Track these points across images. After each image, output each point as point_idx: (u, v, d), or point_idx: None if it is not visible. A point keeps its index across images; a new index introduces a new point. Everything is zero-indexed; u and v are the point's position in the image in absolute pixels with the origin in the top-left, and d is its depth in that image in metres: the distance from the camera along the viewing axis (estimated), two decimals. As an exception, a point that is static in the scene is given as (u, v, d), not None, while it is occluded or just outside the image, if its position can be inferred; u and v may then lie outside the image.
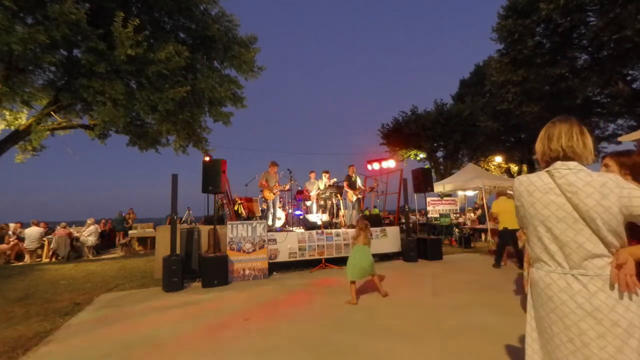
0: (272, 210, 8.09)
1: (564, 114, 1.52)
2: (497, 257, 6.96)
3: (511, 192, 8.71)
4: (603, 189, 1.23)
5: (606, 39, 10.48)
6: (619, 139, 8.65)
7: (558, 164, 1.37)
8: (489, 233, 10.14)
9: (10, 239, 10.17)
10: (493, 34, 13.73)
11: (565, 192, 1.29)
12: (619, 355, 1.16)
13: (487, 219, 10.08)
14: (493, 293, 4.92)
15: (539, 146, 1.46)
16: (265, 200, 8.18)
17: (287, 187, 8.32)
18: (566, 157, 1.36)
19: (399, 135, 22.26)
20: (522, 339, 3.10)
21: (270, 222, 7.81)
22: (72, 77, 8.52)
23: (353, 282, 4.58)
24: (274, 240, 6.86)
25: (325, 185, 8.92)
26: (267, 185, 7.92)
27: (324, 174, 9.09)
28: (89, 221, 10.91)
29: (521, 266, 6.60)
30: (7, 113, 8.65)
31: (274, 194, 7.99)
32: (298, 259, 7.03)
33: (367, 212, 10.65)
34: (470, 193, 14.85)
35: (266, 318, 4.04)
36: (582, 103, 12.29)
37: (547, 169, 1.40)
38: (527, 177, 1.43)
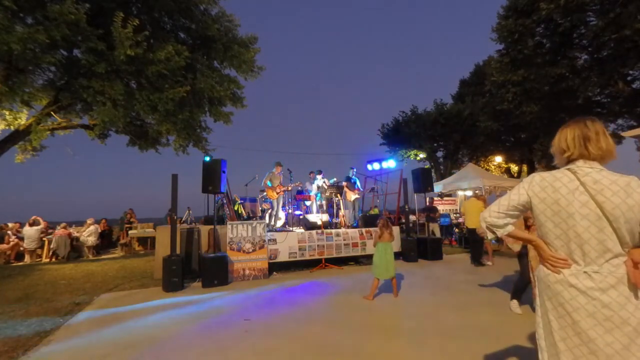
0: (275, 210, 8.14)
1: (572, 114, 1.50)
2: (476, 256, 7.28)
3: (481, 194, 9.10)
4: (627, 188, 1.25)
5: (606, 39, 10.47)
6: (622, 133, 8.69)
7: (580, 162, 1.36)
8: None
9: (10, 239, 10.16)
10: (493, 34, 13.72)
11: (590, 190, 1.29)
12: (625, 352, 1.18)
13: None
14: (493, 293, 4.92)
15: (569, 145, 1.39)
16: (266, 200, 8.23)
17: (290, 187, 8.38)
18: (593, 158, 1.35)
19: (399, 135, 22.27)
20: (522, 338, 3.11)
21: (272, 222, 7.84)
22: (72, 77, 8.51)
23: (378, 279, 4.69)
24: (274, 240, 6.86)
25: (319, 185, 8.97)
26: (271, 185, 8.00)
27: (318, 174, 9.13)
28: (88, 221, 10.91)
29: (475, 262, 7.14)
30: (7, 113, 8.63)
31: (277, 193, 8.04)
32: (298, 259, 7.02)
33: (370, 212, 10.66)
34: (470, 193, 14.85)
35: (266, 318, 4.04)
36: (583, 103, 12.29)
37: (567, 167, 1.39)
38: (550, 174, 1.40)
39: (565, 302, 1.29)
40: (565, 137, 1.41)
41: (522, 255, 4.10)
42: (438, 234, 9.88)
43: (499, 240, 4.68)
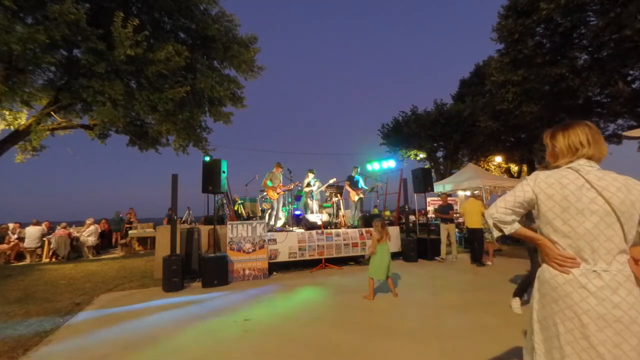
0: (275, 210, 8.14)
1: (572, 114, 1.53)
2: (474, 255, 7.32)
3: (479, 193, 8.83)
4: (627, 185, 1.29)
5: (606, 38, 10.46)
6: (624, 133, 8.65)
7: (582, 161, 1.38)
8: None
9: (10, 239, 10.16)
10: (493, 34, 13.71)
11: (596, 186, 1.30)
12: (632, 353, 1.16)
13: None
14: (493, 293, 4.92)
15: (583, 143, 1.39)
16: (267, 200, 8.23)
17: (291, 187, 8.38)
18: (597, 158, 1.40)
19: (399, 135, 22.26)
20: (522, 339, 3.10)
21: (272, 222, 7.84)
22: (72, 77, 8.51)
23: (373, 279, 4.75)
24: (274, 240, 6.86)
25: (312, 183, 8.96)
26: (271, 185, 7.99)
27: (309, 172, 9.10)
28: (88, 221, 10.91)
29: (475, 261, 7.17)
30: (7, 113, 8.64)
31: (277, 194, 8.04)
32: (298, 259, 7.02)
33: (379, 212, 10.66)
34: (470, 193, 14.87)
35: (266, 318, 4.04)
36: (583, 103, 12.28)
37: (569, 166, 1.40)
38: (553, 172, 1.40)
39: (575, 304, 1.26)
40: (578, 137, 1.40)
41: (534, 251, 4.03)
42: (454, 238, 8.38)
43: (506, 239, 4.65)
